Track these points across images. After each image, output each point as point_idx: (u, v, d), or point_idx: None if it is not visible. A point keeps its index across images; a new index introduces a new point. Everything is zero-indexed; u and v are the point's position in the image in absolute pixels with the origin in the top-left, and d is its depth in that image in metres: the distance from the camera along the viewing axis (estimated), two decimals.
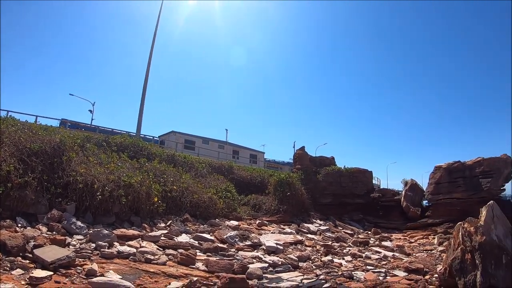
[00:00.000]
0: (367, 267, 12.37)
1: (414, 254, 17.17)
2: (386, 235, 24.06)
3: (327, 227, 22.10)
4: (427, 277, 11.38)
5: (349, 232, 22.97)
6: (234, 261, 10.57)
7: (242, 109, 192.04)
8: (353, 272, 10.97)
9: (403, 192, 32.27)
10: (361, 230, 25.59)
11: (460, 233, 9.97)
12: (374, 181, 39.38)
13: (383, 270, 11.82)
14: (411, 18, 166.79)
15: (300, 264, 11.75)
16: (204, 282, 8.01)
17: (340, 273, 10.80)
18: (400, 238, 23.90)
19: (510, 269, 9.21)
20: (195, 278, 7.82)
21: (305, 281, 9.16)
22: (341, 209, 30.43)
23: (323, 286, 8.51)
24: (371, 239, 21.36)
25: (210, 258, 10.23)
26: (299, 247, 14.69)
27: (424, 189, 32.57)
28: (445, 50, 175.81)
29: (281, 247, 13.47)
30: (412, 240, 22.97)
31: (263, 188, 25.06)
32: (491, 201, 10.68)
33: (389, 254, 15.93)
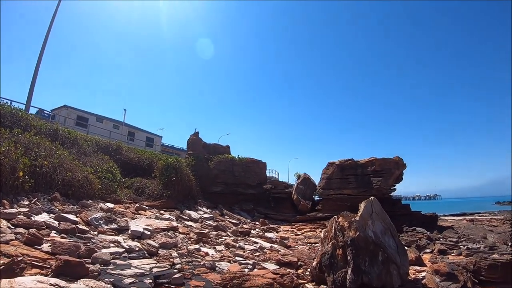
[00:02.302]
0: (236, 258, 11.75)
1: (296, 246, 16.98)
2: (274, 226, 24.17)
3: (212, 215, 21.43)
4: (300, 271, 11.16)
5: (234, 221, 22.57)
6: (89, 244, 9.56)
7: (143, 91, 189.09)
8: (217, 263, 10.44)
9: (295, 185, 32.86)
10: (249, 221, 25.38)
11: (333, 227, 9.66)
12: (272, 174, 39.72)
13: (252, 262, 11.22)
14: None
15: (161, 251, 10.86)
16: (38, 264, 7.01)
17: (202, 263, 10.23)
18: (287, 230, 24.01)
19: (387, 266, 8.97)
20: (19, 258, 6.76)
21: (155, 270, 8.33)
22: (232, 198, 30.35)
23: (174, 276, 7.74)
24: (256, 229, 21.16)
25: (57, 239, 9.13)
26: (170, 234, 13.79)
27: (317, 184, 33.16)
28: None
29: (149, 233, 12.49)
30: (299, 233, 23.20)
31: (151, 172, 24.34)
32: (372, 197, 10.48)
33: (268, 245, 15.60)
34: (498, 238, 19.73)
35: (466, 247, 16.95)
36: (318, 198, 32.59)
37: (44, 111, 42.79)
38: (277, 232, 21.87)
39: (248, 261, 11.33)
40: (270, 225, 24.29)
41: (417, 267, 12.17)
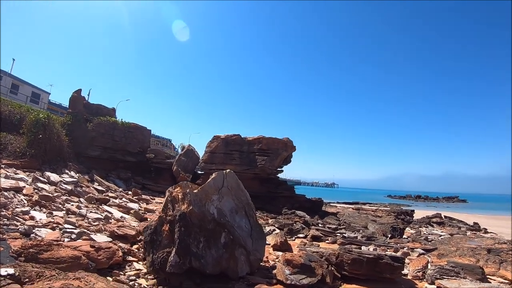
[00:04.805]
0: (66, 225, 10.09)
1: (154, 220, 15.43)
2: (147, 197, 22.46)
3: (76, 180, 19.24)
4: (135, 246, 9.83)
5: (101, 189, 20.34)
6: None
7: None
8: (37, 229, 9.04)
9: (177, 156, 31.18)
10: (121, 189, 23.21)
11: (166, 198, 8.03)
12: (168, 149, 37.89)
13: (78, 231, 9.55)
14: None
15: None
16: None
17: (19, 227, 8.74)
18: (161, 203, 22.29)
19: (231, 250, 7.47)
20: None
21: None
22: (110, 164, 28.17)
23: None
24: (123, 199, 19.24)
25: None
26: (7, 194, 11.75)
27: (200, 157, 31.86)
28: None
29: None
30: None
31: (21, 128, 21.21)
32: (228, 170, 8.93)
33: (119, 215, 13.96)
34: (379, 229, 19.50)
35: (342, 235, 16.34)
36: (201, 172, 31.16)
37: None
38: (147, 204, 20.19)
39: (76, 230, 9.75)
40: (144, 196, 22.55)
41: (279, 253, 10.93)
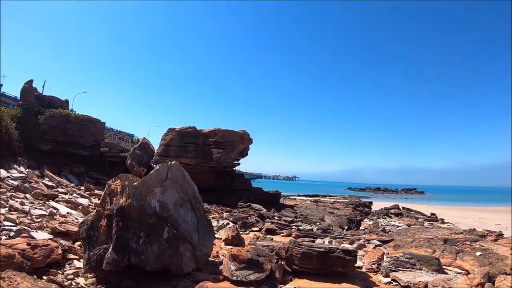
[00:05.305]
0: (5, 222, 9.52)
1: None
2: (100, 192, 21.66)
3: (25, 175, 18.50)
4: (78, 243, 9.26)
5: (51, 184, 19.58)
6: None
7: None
8: None
9: (132, 150, 30.57)
10: (73, 185, 22.49)
11: (104, 192, 7.62)
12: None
13: (17, 228, 9.09)
14: None
15: None
16: None
17: None
18: None
19: (175, 246, 7.17)
20: None
21: None
22: (63, 159, 26.93)
23: None
24: (74, 194, 18.64)
25: None
26: None
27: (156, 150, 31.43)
28: None
29: None
30: None
31: None
32: (173, 162, 8.61)
33: (65, 211, 13.47)
34: (335, 221, 19.51)
35: (297, 228, 16.23)
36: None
37: None
38: (99, 199, 19.62)
39: (15, 228, 9.27)
40: (97, 191, 21.78)
41: (238, 247, 10.68)
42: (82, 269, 7.44)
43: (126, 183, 7.11)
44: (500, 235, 13.89)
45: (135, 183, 7.25)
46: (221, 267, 8.01)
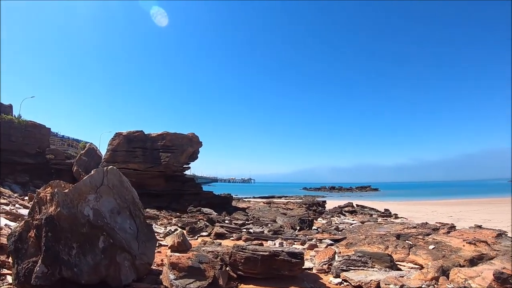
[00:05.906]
0: None
1: None
2: None
3: None
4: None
5: None
6: None
7: None
8: None
9: (78, 156, 29.88)
10: (16, 195, 21.86)
11: (34, 200, 7.18)
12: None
13: None
14: None
15: None
16: None
17: None
18: None
19: (113, 256, 6.77)
20: None
21: None
22: (7, 168, 26.05)
23: None
24: (16, 205, 17.93)
25: None
26: None
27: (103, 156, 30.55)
28: None
29: None
30: None
31: None
32: (109, 167, 8.20)
33: (3, 223, 12.91)
34: (287, 221, 19.51)
35: (248, 231, 16.10)
36: None
37: None
38: None
39: None
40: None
41: (177, 255, 10.37)
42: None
43: (56, 190, 6.70)
44: (452, 227, 14.11)
45: (66, 190, 6.84)
46: (161, 276, 7.71)
